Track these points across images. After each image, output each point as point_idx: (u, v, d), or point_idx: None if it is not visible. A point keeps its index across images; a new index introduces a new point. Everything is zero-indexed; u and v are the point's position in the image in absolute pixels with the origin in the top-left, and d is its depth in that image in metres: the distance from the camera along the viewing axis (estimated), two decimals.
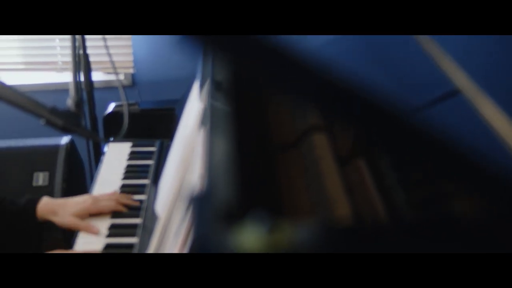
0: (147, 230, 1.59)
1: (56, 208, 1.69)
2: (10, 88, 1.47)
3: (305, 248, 0.58)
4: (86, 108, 2.67)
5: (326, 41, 1.14)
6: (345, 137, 0.99)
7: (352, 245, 0.63)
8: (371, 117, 0.66)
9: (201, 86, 0.85)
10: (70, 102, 1.52)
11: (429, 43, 1.05)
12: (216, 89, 0.86)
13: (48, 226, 1.75)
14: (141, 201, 1.77)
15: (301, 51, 0.62)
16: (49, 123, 1.49)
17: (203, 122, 0.77)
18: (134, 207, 1.74)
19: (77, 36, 2.42)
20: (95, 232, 1.64)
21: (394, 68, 1.11)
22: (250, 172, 0.89)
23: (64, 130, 1.51)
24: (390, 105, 0.65)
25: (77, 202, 1.71)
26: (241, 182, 0.67)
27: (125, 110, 1.62)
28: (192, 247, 0.58)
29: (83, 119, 2.46)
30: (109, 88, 3.03)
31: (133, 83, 3.08)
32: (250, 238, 0.56)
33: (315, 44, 1.15)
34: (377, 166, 0.87)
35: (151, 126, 2.24)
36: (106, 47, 2.24)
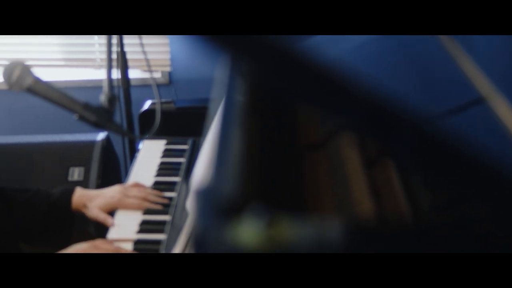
0: (175, 227, 1.60)
1: (87, 201, 1.72)
2: (45, 84, 1.49)
3: (308, 244, 0.58)
4: (122, 105, 2.71)
5: (353, 46, 1.14)
6: (370, 138, 0.98)
7: (370, 244, 0.63)
8: (397, 120, 0.66)
9: (228, 83, 0.86)
10: (103, 98, 1.53)
11: (456, 49, 1.04)
12: (241, 87, 0.86)
13: (83, 219, 1.78)
14: (171, 199, 1.79)
15: (329, 56, 0.62)
16: (82, 118, 1.51)
17: (220, 116, 0.77)
18: (165, 204, 1.76)
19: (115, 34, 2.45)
20: (110, 224, 1.68)
21: (422, 73, 1.10)
22: (272, 169, 0.89)
23: (97, 126, 1.53)
24: (416, 109, 0.64)
25: (106, 196, 1.74)
26: (247, 177, 0.67)
27: (158, 108, 1.64)
28: (192, 239, 0.58)
29: (119, 115, 2.49)
30: (147, 86, 3.06)
31: (170, 81, 3.10)
32: (247, 232, 0.57)
33: (343, 49, 1.14)
34: (403, 168, 0.86)
35: (186, 124, 2.25)
36: (142, 45, 2.27)
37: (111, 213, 1.73)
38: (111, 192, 1.76)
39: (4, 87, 1.45)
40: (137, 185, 1.83)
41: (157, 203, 1.76)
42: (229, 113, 0.76)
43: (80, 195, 1.72)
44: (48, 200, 1.69)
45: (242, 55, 0.63)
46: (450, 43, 1.07)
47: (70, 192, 1.72)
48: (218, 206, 0.59)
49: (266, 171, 0.85)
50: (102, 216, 1.70)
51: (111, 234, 1.66)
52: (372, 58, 1.16)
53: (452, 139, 0.64)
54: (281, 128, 1.05)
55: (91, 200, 1.72)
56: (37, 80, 1.48)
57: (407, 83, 1.08)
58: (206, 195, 0.60)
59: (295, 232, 0.58)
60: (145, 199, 1.76)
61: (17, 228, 1.68)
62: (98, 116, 1.50)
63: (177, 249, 1.34)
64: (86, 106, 1.49)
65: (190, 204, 1.57)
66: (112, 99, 1.50)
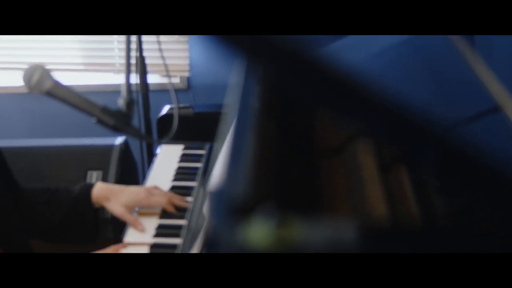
0: (190, 232, 1.61)
1: (110, 195, 1.69)
2: (64, 87, 1.50)
3: (318, 245, 0.58)
4: (140, 110, 2.72)
5: (372, 52, 1.13)
6: (388, 144, 0.98)
7: (381, 246, 0.63)
8: (413, 128, 0.65)
9: (243, 87, 0.86)
10: (121, 102, 1.54)
11: (473, 55, 1.03)
12: (257, 90, 0.86)
13: (99, 224, 1.78)
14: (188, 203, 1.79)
15: (348, 62, 0.62)
16: (100, 121, 1.51)
17: (235, 119, 0.78)
18: (181, 209, 1.76)
19: (134, 39, 2.47)
20: (140, 230, 1.66)
21: (440, 80, 1.09)
22: (287, 172, 0.89)
23: (115, 129, 1.54)
24: (434, 116, 0.64)
25: (131, 192, 1.72)
26: (260, 179, 0.67)
27: (175, 113, 1.64)
28: (205, 238, 0.59)
29: (137, 120, 2.51)
30: (165, 91, 3.07)
31: (188, 86, 3.11)
32: (257, 231, 0.57)
33: (362, 55, 1.14)
34: (418, 174, 0.86)
35: (204, 129, 2.26)
36: (161, 50, 2.28)
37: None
38: (137, 189, 1.75)
39: (25, 90, 1.46)
40: (157, 188, 1.82)
41: (178, 208, 1.76)
42: (244, 116, 0.76)
43: (101, 187, 1.71)
44: (69, 197, 1.69)
45: (259, 57, 0.63)
46: (467, 49, 1.06)
47: (89, 187, 1.70)
48: (230, 206, 0.59)
49: (280, 173, 0.85)
50: (129, 218, 1.68)
51: (128, 238, 1.66)
52: (390, 65, 1.16)
53: (470, 146, 0.64)
54: (297, 132, 1.05)
55: (114, 194, 1.69)
56: (56, 84, 1.49)
57: (425, 89, 1.07)
58: (219, 195, 0.61)
59: (305, 233, 0.58)
60: (170, 200, 1.75)
61: (41, 228, 1.68)
62: (116, 119, 1.51)
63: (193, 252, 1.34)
64: (104, 110, 1.50)
65: (206, 209, 1.57)
66: (130, 103, 1.51)
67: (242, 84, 0.85)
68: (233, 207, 0.59)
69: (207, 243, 0.59)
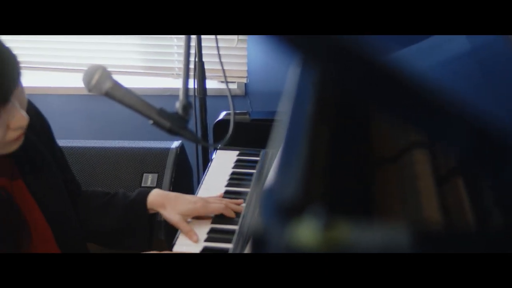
0: (241, 237, 1.60)
1: (166, 202, 1.71)
2: (123, 88, 1.51)
3: (367, 248, 0.57)
4: (197, 114, 2.74)
5: (438, 61, 1.11)
6: (446, 156, 0.95)
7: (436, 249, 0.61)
8: (475, 139, 0.64)
9: (298, 89, 0.85)
10: (178, 105, 1.54)
11: None
12: (312, 94, 0.85)
13: (152, 227, 1.79)
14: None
15: (412, 71, 0.61)
16: (156, 124, 1.52)
17: (288, 122, 0.77)
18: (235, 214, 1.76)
19: (193, 43, 2.48)
20: (195, 240, 1.67)
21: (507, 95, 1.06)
22: (339, 176, 0.88)
23: (171, 132, 1.54)
24: (495, 128, 0.62)
25: (188, 201, 1.74)
26: (311, 181, 0.67)
27: (232, 118, 1.64)
28: (253, 236, 0.59)
29: (194, 124, 2.52)
30: (222, 97, 3.09)
31: (246, 92, 3.12)
32: (306, 231, 0.57)
33: (427, 64, 1.12)
34: (476, 187, 0.83)
35: (259, 136, 2.26)
36: (220, 55, 2.29)
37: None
38: (193, 198, 1.76)
39: (85, 92, 1.48)
40: (212, 197, 1.84)
41: (235, 212, 1.76)
42: (297, 119, 0.75)
43: (157, 194, 1.73)
44: (125, 202, 1.71)
45: (319, 59, 0.62)
46: None
47: (145, 193, 1.73)
48: (280, 205, 0.59)
49: (332, 178, 0.84)
50: (185, 227, 1.69)
51: (180, 242, 1.67)
52: (455, 76, 1.14)
53: None
54: (351, 137, 1.04)
55: (170, 202, 1.71)
56: (116, 85, 1.51)
57: (492, 103, 1.04)
58: (269, 195, 0.61)
59: (355, 236, 0.57)
60: (227, 205, 1.76)
61: (97, 232, 1.71)
62: (172, 122, 1.51)
63: None
64: (161, 112, 1.50)
65: (258, 214, 1.57)
66: (187, 106, 1.51)
67: (297, 87, 0.84)
68: (283, 206, 0.59)
69: (255, 241, 0.59)
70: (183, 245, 1.66)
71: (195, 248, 1.63)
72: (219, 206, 1.74)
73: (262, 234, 0.58)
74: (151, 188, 2.27)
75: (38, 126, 1.57)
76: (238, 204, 1.80)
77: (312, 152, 0.72)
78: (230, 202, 1.79)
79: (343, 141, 0.98)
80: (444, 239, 0.67)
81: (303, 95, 0.84)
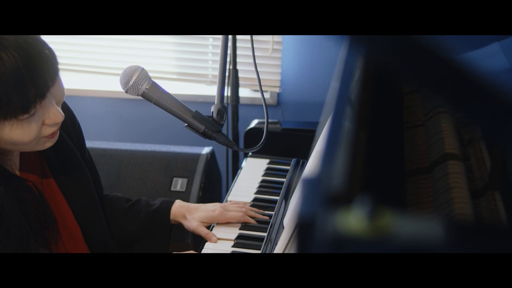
0: (269, 245, 1.60)
1: (186, 212, 1.75)
2: (160, 90, 1.53)
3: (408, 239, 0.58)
4: (229, 122, 2.75)
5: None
6: (481, 169, 0.95)
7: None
8: None
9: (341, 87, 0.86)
10: (213, 109, 1.56)
11: None
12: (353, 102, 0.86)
13: (182, 231, 1.81)
14: (270, 217, 1.79)
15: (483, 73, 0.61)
16: (191, 126, 1.54)
17: (330, 122, 0.78)
18: (263, 221, 1.77)
19: (229, 52, 2.50)
20: (214, 241, 1.70)
21: None
22: (374, 181, 0.88)
23: (204, 136, 1.56)
24: None
25: (206, 209, 1.77)
26: (353, 176, 0.67)
27: (265, 127, 1.64)
28: (297, 224, 0.59)
29: (225, 131, 2.53)
30: (254, 105, 3.10)
31: (278, 102, 3.13)
32: (353, 220, 0.59)
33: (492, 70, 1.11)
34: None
35: (290, 145, 2.26)
36: (255, 64, 2.30)
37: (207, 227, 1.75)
38: (211, 206, 1.79)
39: (116, 95, 1.50)
40: (234, 202, 1.86)
41: (255, 219, 1.78)
42: (339, 117, 0.76)
43: (179, 205, 1.76)
44: (148, 210, 1.73)
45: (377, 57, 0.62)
46: None
47: (170, 203, 1.75)
48: (327, 195, 0.60)
49: (368, 180, 0.84)
50: (203, 231, 1.72)
51: (207, 246, 1.68)
52: None
53: None
54: (387, 144, 1.04)
55: (190, 212, 1.75)
56: (153, 86, 1.52)
57: None
58: (315, 185, 0.62)
59: (396, 225, 0.59)
60: (246, 213, 1.78)
61: (116, 237, 1.72)
62: (206, 126, 1.53)
63: None
64: (196, 116, 1.52)
65: (286, 223, 1.57)
66: (222, 111, 1.52)
67: (339, 85, 0.85)
68: (330, 196, 0.60)
69: (300, 229, 0.60)
70: (211, 250, 1.66)
71: (223, 252, 1.64)
72: (237, 215, 1.77)
73: (310, 222, 0.58)
74: (180, 193, 2.29)
75: (70, 126, 1.59)
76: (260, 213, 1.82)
77: (351, 152, 0.73)
78: (250, 210, 1.80)
79: (378, 149, 0.99)
80: (477, 235, 0.67)
81: (345, 91, 0.84)
